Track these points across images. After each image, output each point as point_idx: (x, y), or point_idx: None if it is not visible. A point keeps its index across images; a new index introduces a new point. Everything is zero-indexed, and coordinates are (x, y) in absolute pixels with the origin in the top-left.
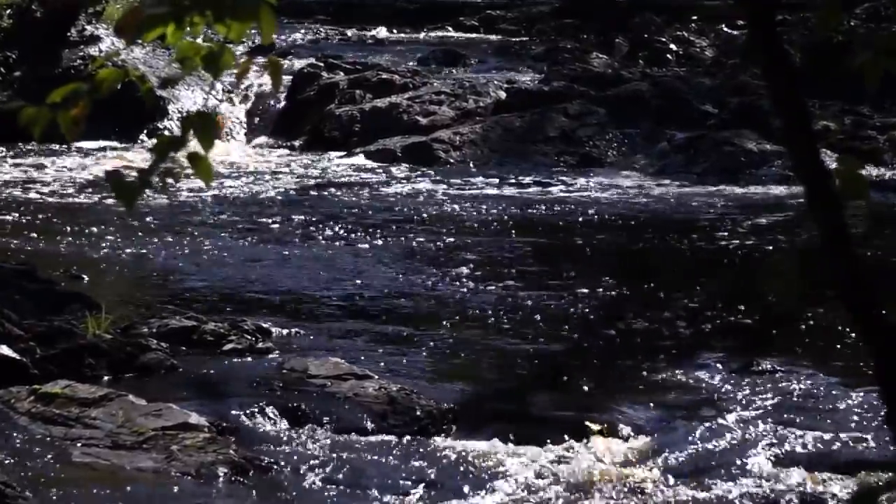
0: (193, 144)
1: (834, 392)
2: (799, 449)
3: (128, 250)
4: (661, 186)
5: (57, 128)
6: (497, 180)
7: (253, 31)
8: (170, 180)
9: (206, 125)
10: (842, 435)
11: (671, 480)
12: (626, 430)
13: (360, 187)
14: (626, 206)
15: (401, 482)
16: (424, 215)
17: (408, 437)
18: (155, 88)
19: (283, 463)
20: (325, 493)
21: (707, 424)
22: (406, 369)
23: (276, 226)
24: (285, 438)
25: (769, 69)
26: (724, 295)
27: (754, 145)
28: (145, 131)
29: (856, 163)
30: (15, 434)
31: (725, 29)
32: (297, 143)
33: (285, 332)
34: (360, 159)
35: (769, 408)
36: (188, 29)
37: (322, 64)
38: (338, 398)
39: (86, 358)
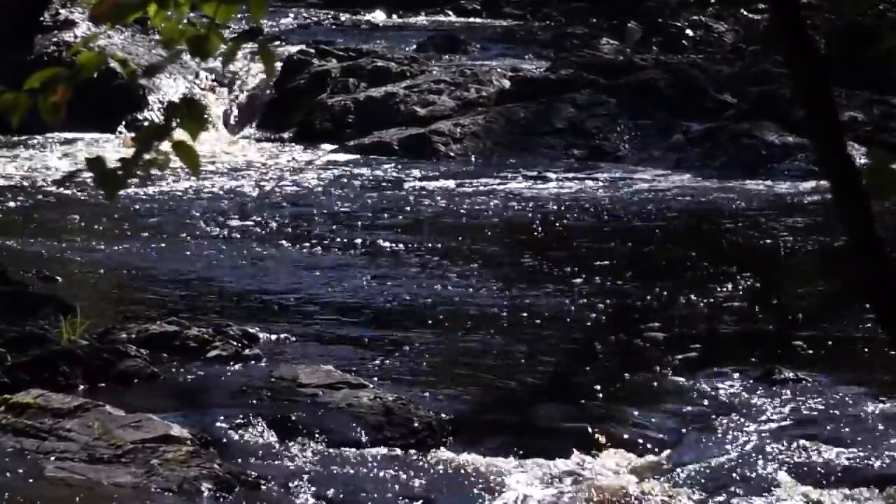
0: (179, 133)
1: (860, 402)
2: (822, 462)
3: (105, 250)
4: (675, 181)
5: (29, 118)
6: (500, 175)
7: (239, 16)
8: (154, 170)
9: (193, 112)
10: (868, 448)
11: (687, 496)
12: (638, 442)
13: (354, 183)
14: (638, 202)
15: (397, 498)
16: (422, 213)
17: (405, 451)
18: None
19: (270, 478)
20: None
21: (725, 436)
22: (403, 378)
23: (264, 224)
24: (273, 452)
25: (792, 56)
26: (743, 298)
27: (776, 138)
28: (124, 123)
29: (888, 157)
30: None
31: (745, 13)
32: (285, 136)
33: (274, 337)
34: (353, 153)
35: (791, 419)
36: (171, 11)
37: (313, 50)
38: (330, 408)
39: (60, 365)
